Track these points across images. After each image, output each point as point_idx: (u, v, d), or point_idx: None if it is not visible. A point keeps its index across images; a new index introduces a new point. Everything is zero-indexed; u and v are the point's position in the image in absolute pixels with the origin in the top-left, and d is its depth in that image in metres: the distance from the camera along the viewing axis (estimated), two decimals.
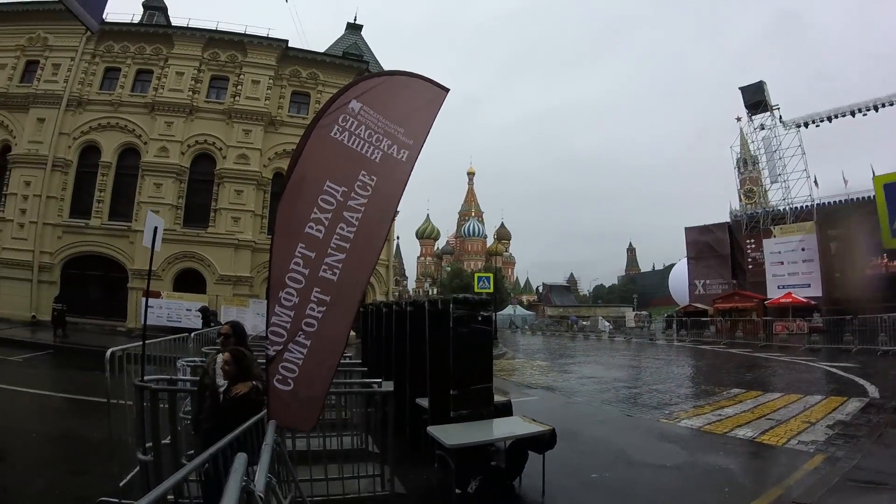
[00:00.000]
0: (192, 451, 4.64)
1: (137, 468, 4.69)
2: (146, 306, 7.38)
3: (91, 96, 25.17)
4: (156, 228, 6.19)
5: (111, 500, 4.33)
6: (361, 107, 3.69)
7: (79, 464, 5.94)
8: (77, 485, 5.24)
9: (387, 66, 35.32)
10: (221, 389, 4.10)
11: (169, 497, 2.47)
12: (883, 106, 34.07)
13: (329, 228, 3.61)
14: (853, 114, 35.19)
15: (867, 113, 34.72)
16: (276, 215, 3.62)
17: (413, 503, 5.10)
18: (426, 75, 3.99)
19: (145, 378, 4.71)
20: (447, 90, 4.00)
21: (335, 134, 3.63)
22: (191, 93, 25.39)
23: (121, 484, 4.54)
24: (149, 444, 4.54)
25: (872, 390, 11.47)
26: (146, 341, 5.67)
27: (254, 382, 3.96)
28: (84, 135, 24.79)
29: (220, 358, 4.32)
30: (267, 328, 3.59)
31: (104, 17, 23.49)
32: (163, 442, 4.66)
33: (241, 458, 2.37)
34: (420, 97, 3.95)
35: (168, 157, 24.52)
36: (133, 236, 22.80)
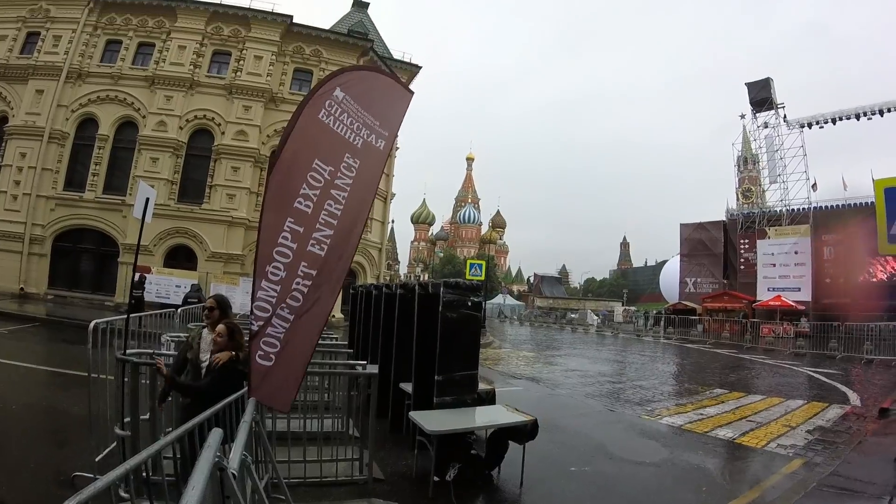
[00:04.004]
0: (171, 428, 4.62)
1: (115, 443, 4.66)
2: (132, 280, 7.30)
3: (91, 69, 24.96)
4: (147, 199, 6.10)
5: (86, 475, 4.30)
6: (344, 96, 3.80)
7: (57, 437, 5.93)
8: (54, 458, 5.21)
9: (392, 45, 35.16)
10: (204, 364, 4.08)
11: (143, 474, 2.44)
12: (889, 111, 33.84)
13: (317, 204, 3.68)
14: (857, 117, 34.95)
15: (872, 117, 34.46)
16: (266, 189, 3.61)
17: (390, 488, 5.08)
18: (397, 76, 4.23)
19: (127, 352, 4.67)
20: (412, 93, 4.31)
21: (322, 117, 3.71)
22: (192, 67, 25.15)
23: (97, 459, 4.49)
24: (127, 420, 4.51)
25: (854, 398, 11.57)
26: (131, 315, 5.63)
27: (233, 353, 3.95)
28: (82, 107, 24.64)
29: (205, 332, 4.31)
30: (252, 303, 3.57)
31: None
32: (142, 418, 4.65)
33: (215, 434, 2.36)
34: (393, 95, 4.20)
35: (166, 131, 24.34)
36: (126, 210, 22.60)
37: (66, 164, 24.45)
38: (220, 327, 4.04)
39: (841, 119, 35.72)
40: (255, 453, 3.76)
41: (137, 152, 24.23)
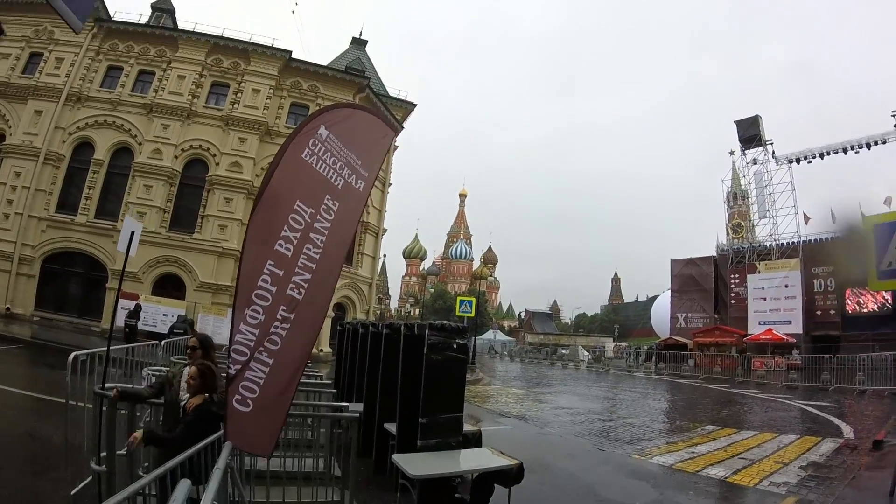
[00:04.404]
0: (148, 464, 4.53)
1: (90, 477, 4.56)
2: (115, 309, 7.22)
3: (91, 93, 25.13)
4: (132, 234, 6.07)
5: None
6: (328, 134, 3.78)
7: (35, 466, 5.78)
8: (30, 488, 5.09)
9: (388, 82, 35.63)
10: (183, 403, 4.00)
11: None
12: (875, 144, 34.39)
13: (297, 247, 3.62)
14: (845, 150, 35.52)
15: (859, 150, 35.04)
16: (248, 230, 3.57)
17: None
18: (381, 113, 4.14)
19: (106, 385, 4.58)
20: (398, 131, 4.21)
21: (306, 156, 3.68)
22: (190, 97, 25.37)
23: (72, 492, 4.41)
24: (104, 454, 4.41)
25: (847, 430, 11.48)
26: (120, 346, 5.54)
27: (206, 395, 3.88)
28: (79, 130, 24.73)
29: (186, 371, 4.23)
30: (230, 346, 3.50)
31: (112, 15, 23.87)
32: (118, 453, 4.54)
33: (182, 487, 2.29)
34: (377, 133, 4.19)
35: (161, 159, 24.37)
36: (117, 236, 22.45)
37: (60, 186, 24.38)
38: (192, 370, 3.96)
39: (829, 154, 36.36)
40: (229, 496, 3.67)
41: (132, 179, 24.22)
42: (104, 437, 4.43)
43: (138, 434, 3.77)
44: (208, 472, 3.07)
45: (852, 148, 35.29)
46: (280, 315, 3.54)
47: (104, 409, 4.43)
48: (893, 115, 33.26)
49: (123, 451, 4.54)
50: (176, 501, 2.11)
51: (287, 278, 3.57)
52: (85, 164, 24.54)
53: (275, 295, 3.52)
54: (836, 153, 36.01)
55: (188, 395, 3.99)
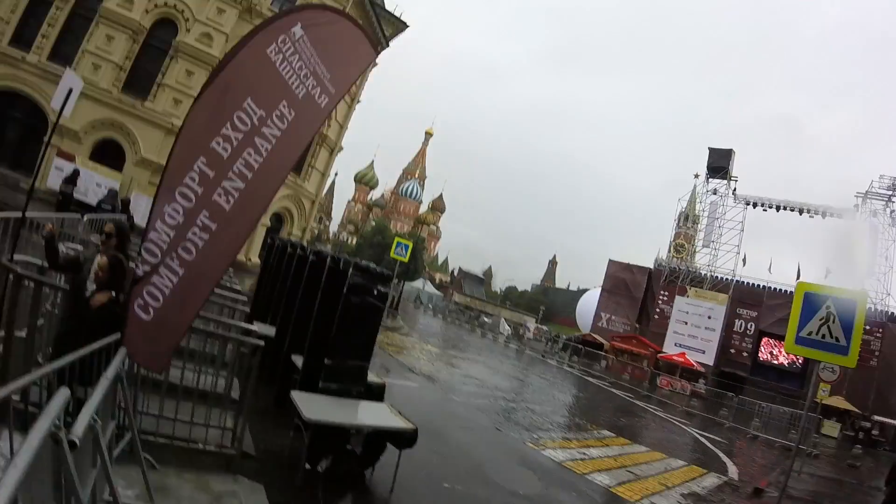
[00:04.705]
0: (48, 349, 4.13)
1: None
2: (38, 168, 6.58)
3: None
4: (70, 90, 5.44)
5: None
6: (303, 35, 3.34)
7: None
8: None
9: None
10: (88, 293, 3.68)
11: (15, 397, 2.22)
12: (831, 216, 35.82)
13: (237, 149, 3.22)
14: (801, 212, 36.95)
15: (814, 216, 36.48)
16: (186, 119, 3.13)
17: (259, 467, 4.73)
18: (369, 30, 3.68)
19: (15, 258, 4.10)
20: (376, 54, 3.78)
21: (271, 52, 3.24)
22: None
23: None
24: (1, 334, 3.99)
25: (733, 470, 11.86)
26: (29, 213, 4.99)
27: (113, 293, 3.52)
28: None
29: (98, 258, 3.85)
30: (142, 243, 3.13)
31: None
32: (17, 334, 4.11)
33: (59, 398, 2.10)
34: (358, 50, 3.74)
35: (130, 9, 22.05)
36: None
37: (20, 16, 21.73)
38: (103, 260, 3.60)
39: (785, 209, 37.67)
40: (116, 405, 3.41)
41: (95, 24, 21.87)
42: (5, 316, 4.01)
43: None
44: (101, 374, 2.89)
45: (808, 211, 36.73)
46: (200, 221, 3.17)
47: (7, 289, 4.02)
48: (857, 196, 34.77)
49: (23, 334, 4.13)
50: (47, 416, 1.94)
51: (217, 181, 3.18)
52: None
53: (199, 197, 3.14)
54: (792, 210, 37.38)
55: (93, 286, 3.69)
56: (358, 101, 31.96)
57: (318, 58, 3.45)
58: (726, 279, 38.46)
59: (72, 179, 16.18)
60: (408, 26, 32.29)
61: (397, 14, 31.69)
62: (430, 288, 76.76)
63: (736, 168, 40.87)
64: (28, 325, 4.08)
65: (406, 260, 23.36)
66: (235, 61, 3.15)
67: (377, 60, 29.47)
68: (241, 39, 3.22)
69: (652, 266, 43.67)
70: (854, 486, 14.08)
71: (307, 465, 4.80)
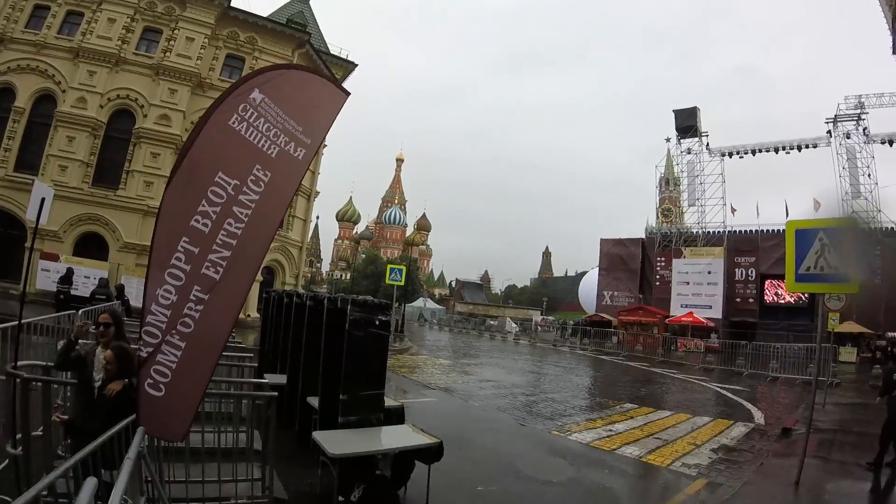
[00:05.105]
0: (67, 441, 4.24)
1: (7, 461, 4.30)
2: (26, 272, 6.78)
3: (15, 34, 22.89)
4: (43, 200, 5.66)
5: None
6: (263, 98, 3.48)
7: None
8: None
9: (332, 42, 34.69)
10: (97, 385, 3.81)
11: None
12: (806, 147, 36.41)
13: (216, 223, 3.37)
14: (776, 150, 37.54)
15: (790, 151, 37.05)
16: (162, 204, 3.32)
17: None
18: (329, 76, 3.88)
19: (19, 364, 4.29)
20: (348, 94, 3.94)
21: (234, 123, 3.39)
22: (120, 42, 23.58)
23: None
24: (19, 436, 4.16)
25: (758, 416, 12.09)
26: (21, 321, 5.17)
27: (126, 380, 3.71)
28: (1, 75, 22.58)
29: (99, 350, 4.01)
30: (140, 328, 3.32)
31: None
32: (33, 434, 4.30)
33: (87, 487, 2.21)
34: (322, 97, 3.85)
35: (86, 108, 22.67)
36: None
37: None
38: (108, 354, 3.75)
39: (760, 151, 38.20)
40: (143, 479, 3.54)
41: (54, 129, 22.43)
42: (19, 418, 4.18)
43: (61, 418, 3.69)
44: (123, 456, 2.98)
45: (784, 148, 37.29)
46: (194, 296, 3.33)
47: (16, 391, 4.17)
48: (827, 122, 35.23)
49: (39, 432, 4.32)
50: (81, 502, 2.03)
51: (203, 256, 3.34)
52: (5, 111, 22.49)
53: (188, 273, 3.31)
54: (767, 151, 37.96)
55: (103, 377, 3.81)
56: (325, 146, 32.34)
57: (284, 115, 3.58)
58: (718, 232, 38.75)
59: (67, 278, 16.71)
60: (356, 65, 33.05)
61: (343, 56, 32.40)
62: (431, 304, 76.95)
63: (707, 125, 41.47)
64: (43, 422, 4.25)
65: (402, 283, 23.60)
66: (199, 140, 3.32)
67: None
68: (200, 118, 3.40)
69: (644, 236, 44.00)
70: (879, 406, 14.20)
71: (340, 498, 4.92)
